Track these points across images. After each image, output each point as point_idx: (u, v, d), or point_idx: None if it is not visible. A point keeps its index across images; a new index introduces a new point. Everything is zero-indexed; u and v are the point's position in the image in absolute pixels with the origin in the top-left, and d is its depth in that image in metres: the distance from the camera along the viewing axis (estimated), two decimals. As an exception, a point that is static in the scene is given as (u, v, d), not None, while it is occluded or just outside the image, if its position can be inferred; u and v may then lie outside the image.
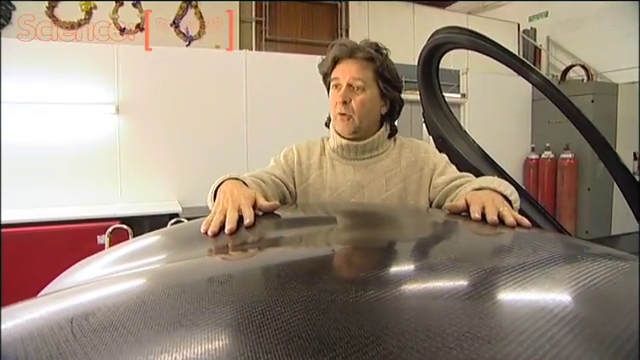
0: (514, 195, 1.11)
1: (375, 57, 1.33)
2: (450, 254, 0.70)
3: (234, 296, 0.50)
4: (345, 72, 1.33)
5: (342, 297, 0.48)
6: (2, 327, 0.44)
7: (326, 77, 1.41)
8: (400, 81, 1.41)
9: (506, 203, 1.03)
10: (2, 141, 3.63)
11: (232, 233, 0.86)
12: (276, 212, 1.02)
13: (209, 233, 0.87)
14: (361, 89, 1.32)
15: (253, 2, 6.25)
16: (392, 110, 1.43)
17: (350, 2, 6.79)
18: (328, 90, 1.41)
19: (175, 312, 0.45)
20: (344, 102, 1.32)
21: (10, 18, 4.85)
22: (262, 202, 1.01)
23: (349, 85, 1.32)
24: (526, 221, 0.92)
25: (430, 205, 1.35)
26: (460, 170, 1.40)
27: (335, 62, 1.36)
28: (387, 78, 1.36)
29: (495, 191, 1.07)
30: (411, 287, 0.55)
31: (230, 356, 0.38)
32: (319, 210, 1.26)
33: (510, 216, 0.92)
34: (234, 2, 6.03)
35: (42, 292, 0.79)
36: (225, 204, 0.98)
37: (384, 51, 1.37)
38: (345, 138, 1.38)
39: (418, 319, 0.44)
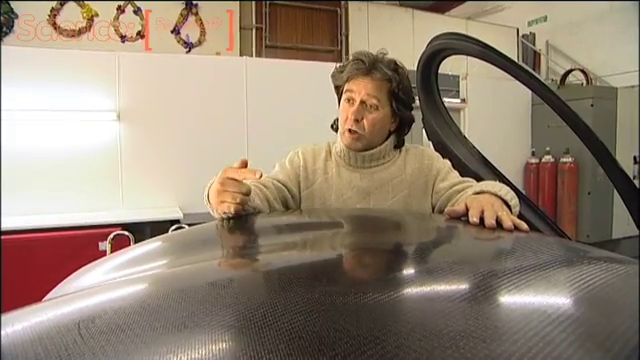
0: (514, 200, 1.11)
1: (392, 78, 1.31)
2: (448, 258, 0.71)
3: (237, 299, 0.52)
4: (360, 89, 1.31)
5: (342, 299, 0.49)
6: (11, 330, 0.46)
7: (339, 88, 1.40)
8: (413, 99, 1.41)
9: (505, 207, 1.04)
10: (5, 148, 3.65)
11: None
12: (280, 217, 1.04)
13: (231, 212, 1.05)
14: (374, 107, 1.31)
15: (253, 9, 6.28)
16: (401, 126, 1.43)
17: (350, 8, 6.82)
18: (339, 99, 1.40)
19: (179, 314, 0.47)
20: (356, 120, 1.31)
21: (13, 26, 4.88)
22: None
23: (362, 102, 1.31)
24: (524, 225, 0.93)
25: (433, 210, 1.36)
26: (460, 175, 1.41)
27: (350, 78, 1.34)
28: (401, 98, 1.35)
29: (495, 195, 1.08)
30: (408, 290, 0.56)
31: (234, 355, 0.39)
32: (319, 215, 1.28)
33: (508, 220, 0.93)
34: (234, 2, 6.06)
35: (46, 298, 0.80)
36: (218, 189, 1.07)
37: (401, 70, 1.35)
38: (350, 149, 1.38)
39: (415, 320, 0.45)
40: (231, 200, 1.06)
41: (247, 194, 1.08)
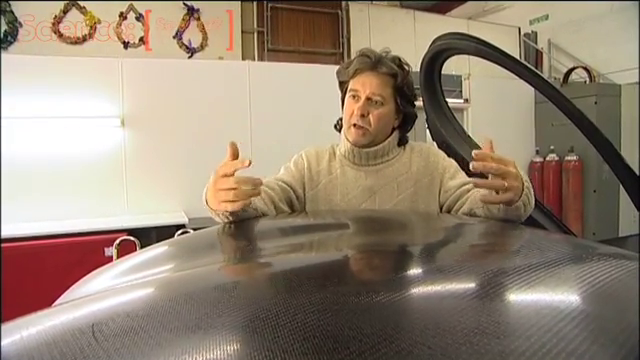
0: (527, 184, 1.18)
1: (397, 73, 1.34)
2: (458, 257, 0.71)
3: (250, 300, 0.52)
4: (366, 85, 1.33)
5: (354, 299, 0.49)
6: (26, 334, 0.46)
7: (343, 84, 1.42)
8: (415, 96, 1.43)
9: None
10: (11, 155, 3.67)
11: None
12: (287, 219, 1.04)
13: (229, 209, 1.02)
14: (379, 103, 1.33)
15: (255, 13, 6.30)
16: (404, 123, 1.44)
17: (351, 10, 6.83)
18: (343, 96, 1.42)
19: (193, 316, 0.47)
20: (362, 115, 1.33)
21: (17, 35, 4.92)
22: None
23: (368, 98, 1.32)
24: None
25: (441, 209, 1.36)
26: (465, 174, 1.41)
27: (356, 73, 1.36)
28: (405, 94, 1.37)
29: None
30: (420, 288, 0.56)
31: (249, 355, 0.39)
32: (327, 217, 1.28)
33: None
34: (235, 3, 6.08)
35: (55, 304, 0.80)
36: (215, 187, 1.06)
37: (406, 67, 1.38)
38: (356, 146, 1.39)
39: (428, 318, 0.45)
40: (225, 198, 1.03)
41: (254, 188, 1.04)
